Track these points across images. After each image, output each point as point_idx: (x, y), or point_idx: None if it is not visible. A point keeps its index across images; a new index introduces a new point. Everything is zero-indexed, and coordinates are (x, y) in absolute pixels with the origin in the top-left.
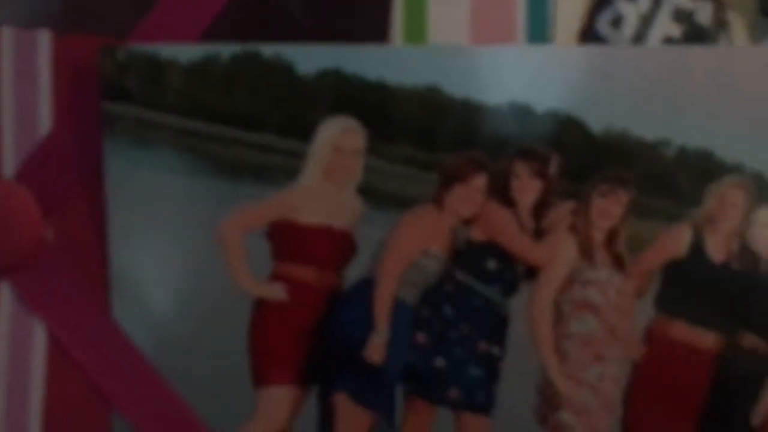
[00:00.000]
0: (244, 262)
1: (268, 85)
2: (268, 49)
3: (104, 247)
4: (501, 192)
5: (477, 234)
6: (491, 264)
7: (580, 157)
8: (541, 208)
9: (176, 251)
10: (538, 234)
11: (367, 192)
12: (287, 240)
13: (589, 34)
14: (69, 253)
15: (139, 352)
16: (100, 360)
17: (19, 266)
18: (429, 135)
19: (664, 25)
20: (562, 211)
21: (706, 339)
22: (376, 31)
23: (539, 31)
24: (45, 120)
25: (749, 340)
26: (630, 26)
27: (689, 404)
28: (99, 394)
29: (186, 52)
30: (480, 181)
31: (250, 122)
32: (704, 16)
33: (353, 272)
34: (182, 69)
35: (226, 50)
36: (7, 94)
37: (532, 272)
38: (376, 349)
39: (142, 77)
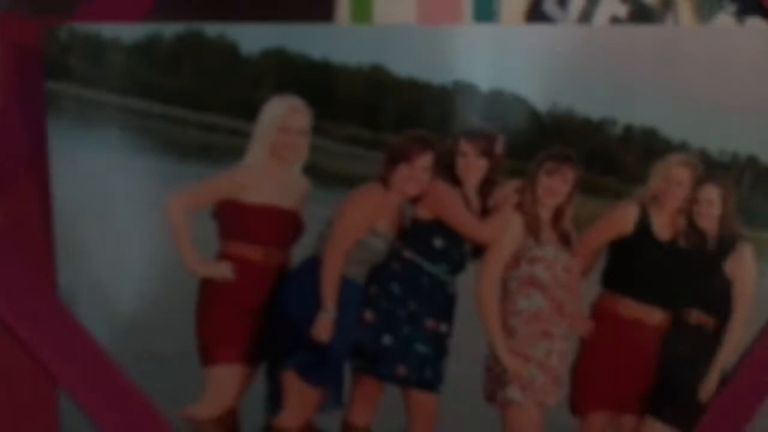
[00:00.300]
0: (189, 241)
1: (212, 64)
2: (212, 29)
3: (50, 228)
4: (447, 171)
5: (423, 212)
6: (438, 242)
7: (525, 135)
8: (487, 186)
9: (122, 231)
10: (485, 213)
11: (313, 171)
12: (233, 219)
13: (535, 14)
14: (15, 234)
15: (86, 332)
16: (46, 339)
17: None
18: (374, 114)
19: (611, 5)
20: (508, 190)
21: (653, 315)
22: (322, 11)
23: (485, 10)
24: None
25: (696, 316)
26: (576, 6)
27: (637, 380)
28: (46, 373)
29: (129, 31)
30: (426, 161)
31: (195, 102)
32: None
33: (301, 251)
34: (125, 49)
35: (169, 30)
36: None
37: (478, 250)
38: (323, 327)
39: (85, 57)
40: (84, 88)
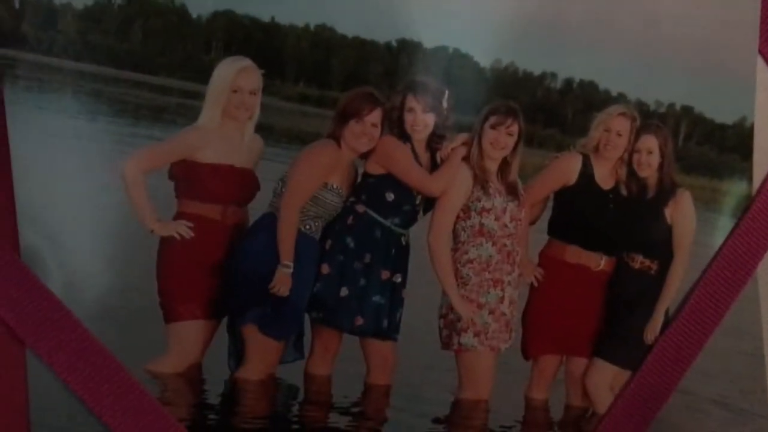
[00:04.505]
0: (147, 202)
1: (162, 27)
2: None
3: (10, 191)
4: (396, 126)
5: (374, 167)
6: (389, 196)
7: (470, 90)
8: (435, 140)
9: (80, 193)
10: (434, 166)
11: (265, 130)
12: (190, 179)
13: None
14: None
15: (49, 291)
16: (10, 300)
17: None
18: (322, 72)
19: None
20: (455, 143)
21: (599, 261)
22: None
23: None
24: None
25: (639, 261)
26: None
27: (585, 324)
28: (12, 334)
29: None
30: (375, 117)
31: (146, 64)
32: None
33: (258, 208)
34: (77, 14)
35: None
36: None
37: (430, 203)
38: (282, 281)
39: (37, 23)
40: (38, 55)
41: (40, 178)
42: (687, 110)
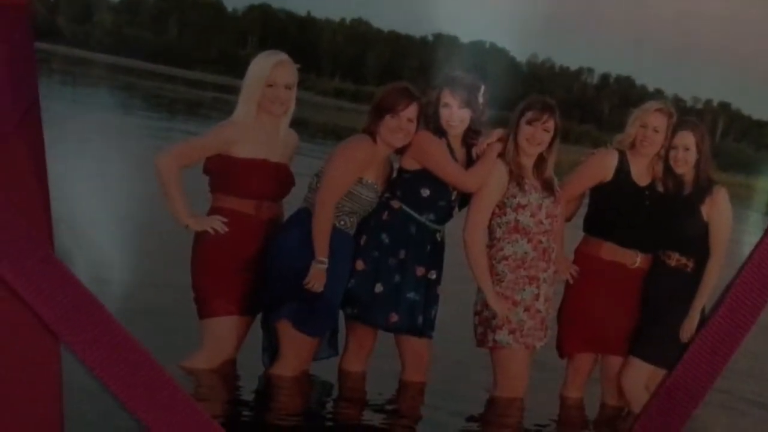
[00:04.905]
0: (181, 196)
1: (197, 21)
2: None
3: (44, 185)
4: (432, 121)
5: (410, 163)
6: (425, 191)
7: (505, 85)
8: (471, 136)
9: (115, 187)
10: (469, 162)
11: (300, 124)
12: (224, 174)
13: None
14: (9, 191)
15: (83, 286)
16: (44, 295)
17: None
18: (358, 67)
19: None
20: (491, 139)
21: (634, 259)
22: None
23: None
24: None
25: (675, 258)
26: None
27: (621, 321)
28: (46, 328)
29: None
30: (411, 112)
31: (182, 59)
32: None
33: (293, 203)
34: (112, 7)
35: None
36: None
37: (465, 199)
38: (317, 277)
39: (72, 17)
40: (73, 48)
41: (75, 173)
42: (724, 107)
